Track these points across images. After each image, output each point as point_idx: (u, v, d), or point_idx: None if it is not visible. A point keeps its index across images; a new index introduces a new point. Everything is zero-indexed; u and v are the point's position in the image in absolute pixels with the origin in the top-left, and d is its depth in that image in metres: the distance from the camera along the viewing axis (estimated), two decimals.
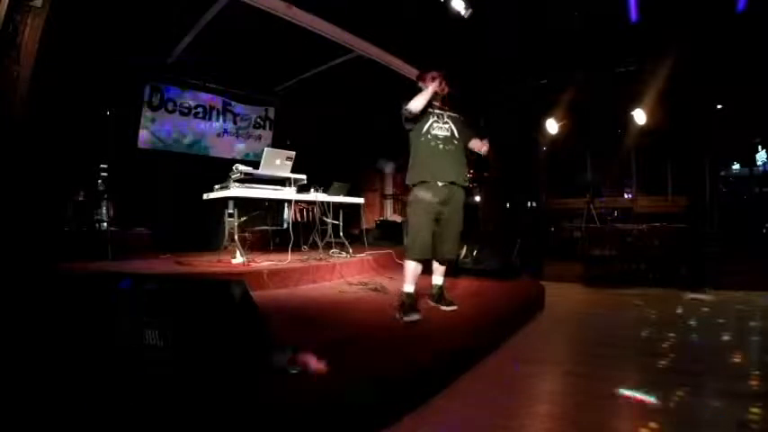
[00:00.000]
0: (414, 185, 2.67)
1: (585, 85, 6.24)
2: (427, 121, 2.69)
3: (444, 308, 2.80)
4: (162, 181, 5.77)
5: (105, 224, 4.85)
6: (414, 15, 4.71)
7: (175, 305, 1.51)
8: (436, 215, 2.63)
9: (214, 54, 5.59)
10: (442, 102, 2.79)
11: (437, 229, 2.65)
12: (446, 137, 2.70)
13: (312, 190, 4.56)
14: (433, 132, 2.68)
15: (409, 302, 2.56)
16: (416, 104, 2.59)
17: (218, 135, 6.85)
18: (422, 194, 2.61)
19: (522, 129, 7.20)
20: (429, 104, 2.66)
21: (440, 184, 2.63)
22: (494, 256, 4.36)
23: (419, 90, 2.70)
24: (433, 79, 2.68)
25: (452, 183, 2.67)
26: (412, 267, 2.64)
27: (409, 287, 2.61)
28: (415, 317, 2.47)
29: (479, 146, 2.85)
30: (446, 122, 2.74)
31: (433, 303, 2.85)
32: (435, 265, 2.85)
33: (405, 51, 5.55)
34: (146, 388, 1.36)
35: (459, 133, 2.76)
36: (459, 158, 2.75)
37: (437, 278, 2.89)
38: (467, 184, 2.78)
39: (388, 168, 9.15)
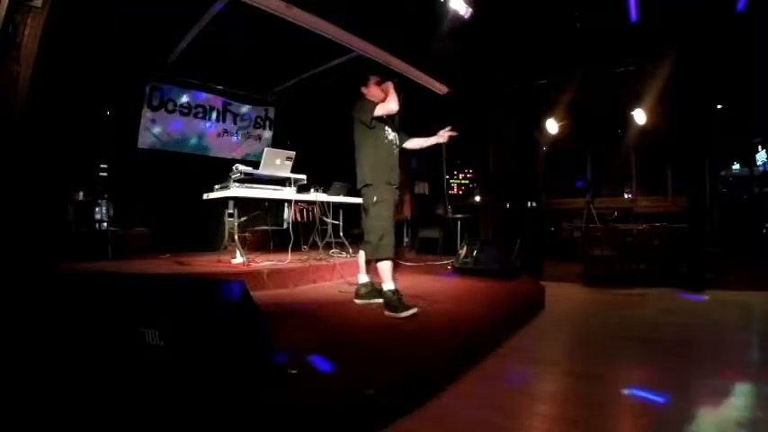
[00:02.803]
0: (375, 184, 2.76)
1: (585, 86, 6.24)
2: (385, 125, 2.84)
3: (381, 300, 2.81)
4: (162, 181, 5.77)
5: (105, 224, 4.85)
6: (414, 15, 4.71)
7: (175, 305, 1.51)
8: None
9: (214, 54, 5.58)
10: None
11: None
12: (395, 142, 2.91)
13: (312, 190, 4.56)
14: (390, 137, 2.86)
15: (397, 298, 2.63)
16: (396, 105, 2.72)
17: (219, 135, 6.84)
18: (387, 195, 2.76)
19: (522, 129, 7.20)
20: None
21: (395, 187, 2.84)
22: (494, 256, 4.36)
23: (362, 94, 2.89)
24: (378, 83, 2.87)
25: (398, 186, 2.89)
26: (389, 265, 2.73)
27: (392, 284, 2.69)
28: (412, 310, 2.54)
29: (435, 139, 3.01)
30: (392, 127, 2.92)
31: (365, 301, 2.91)
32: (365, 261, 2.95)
33: (405, 51, 5.55)
34: (146, 388, 1.36)
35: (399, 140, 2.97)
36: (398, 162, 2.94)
37: (363, 276, 2.99)
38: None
39: None
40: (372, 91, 2.87)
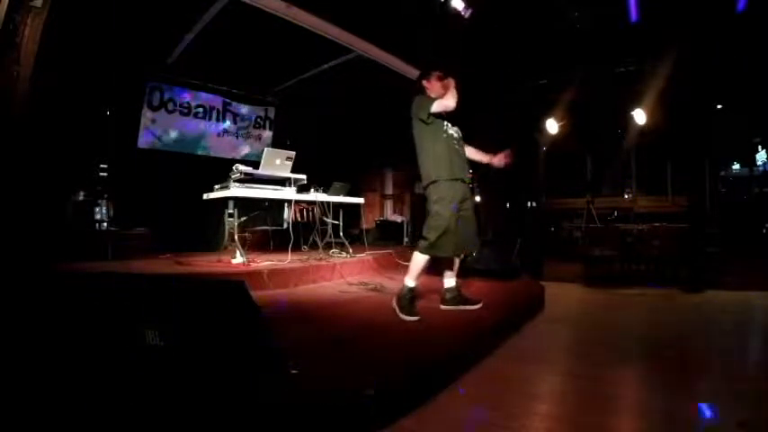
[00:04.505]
0: (437, 181, 2.65)
1: (585, 85, 6.24)
2: (443, 121, 2.74)
3: (471, 307, 2.76)
4: (162, 181, 5.77)
5: (105, 224, 4.85)
6: (414, 15, 4.71)
7: (175, 305, 1.51)
8: (458, 212, 2.65)
9: (214, 54, 5.59)
10: None
11: (460, 224, 2.66)
12: (458, 138, 2.80)
13: (312, 190, 4.55)
14: (450, 132, 2.76)
15: (411, 297, 2.59)
16: (454, 101, 2.62)
17: (219, 135, 6.84)
18: (450, 192, 2.63)
19: (522, 129, 7.20)
20: None
21: (461, 181, 2.70)
22: (494, 256, 4.36)
23: (423, 89, 2.76)
24: (440, 78, 2.74)
25: (466, 182, 2.76)
26: (424, 262, 2.62)
27: (413, 282, 2.63)
28: (414, 318, 2.51)
29: (488, 158, 2.93)
30: (453, 124, 2.81)
31: (451, 307, 2.76)
32: (452, 264, 2.81)
33: (405, 51, 5.55)
34: (146, 388, 1.36)
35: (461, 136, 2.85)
36: (466, 160, 2.84)
37: (450, 280, 2.82)
38: (471, 184, 2.84)
39: None
40: (435, 86, 2.75)
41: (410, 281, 2.63)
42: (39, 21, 2.77)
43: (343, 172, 5.46)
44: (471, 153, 2.95)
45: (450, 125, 2.78)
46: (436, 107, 2.64)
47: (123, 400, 1.30)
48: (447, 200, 2.61)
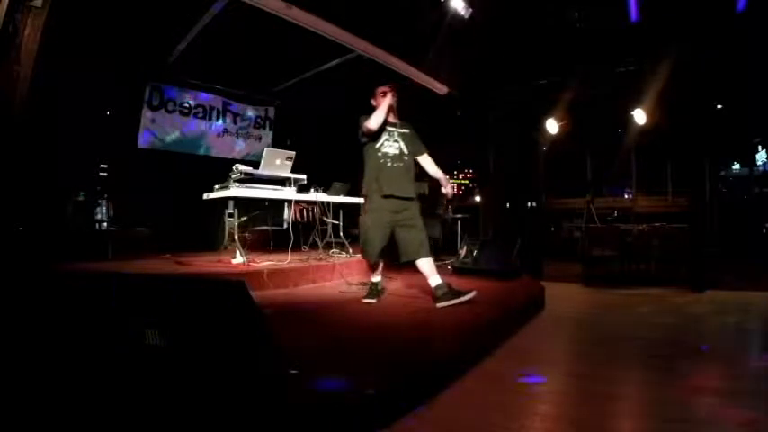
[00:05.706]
0: (367, 195, 2.95)
1: (585, 86, 6.24)
2: (380, 140, 2.92)
3: (465, 297, 2.80)
4: (162, 181, 5.77)
5: (105, 224, 4.85)
6: (414, 15, 4.71)
7: (175, 305, 1.51)
8: (390, 224, 2.87)
9: (214, 54, 5.58)
10: (393, 115, 2.96)
11: (400, 234, 2.88)
12: (395, 155, 2.93)
13: (312, 190, 4.55)
14: (384, 150, 2.91)
15: (372, 287, 3.07)
16: (374, 122, 2.80)
17: (218, 135, 6.84)
18: (373, 206, 2.89)
19: (522, 129, 7.20)
20: (384, 121, 2.84)
21: (389, 196, 2.85)
22: (494, 256, 4.36)
23: (372, 108, 2.90)
24: (384, 95, 2.88)
25: (400, 197, 2.88)
26: (371, 264, 3.07)
27: (375, 278, 3.11)
28: (372, 301, 2.98)
29: (443, 184, 3.09)
30: (396, 141, 2.95)
31: (445, 303, 2.78)
32: (419, 266, 2.90)
33: (404, 51, 5.55)
34: (146, 388, 1.36)
35: (407, 149, 2.97)
36: (406, 174, 2.96)
37: (433, 279, 2.87)
38: (414, 196, 2.96)
39: None
40: (379, 102, 2.88)
41: (373, 276, 3.11)
42: (39, 21, 2.77)
43: (344, 172, 5.45)
44: (428, 166, 3.08)
45: (389, 143, 2.92)
46: (364, 126, 2.82)
47: (123, 400, 1.30)
48: (371, 213, 2.90)
